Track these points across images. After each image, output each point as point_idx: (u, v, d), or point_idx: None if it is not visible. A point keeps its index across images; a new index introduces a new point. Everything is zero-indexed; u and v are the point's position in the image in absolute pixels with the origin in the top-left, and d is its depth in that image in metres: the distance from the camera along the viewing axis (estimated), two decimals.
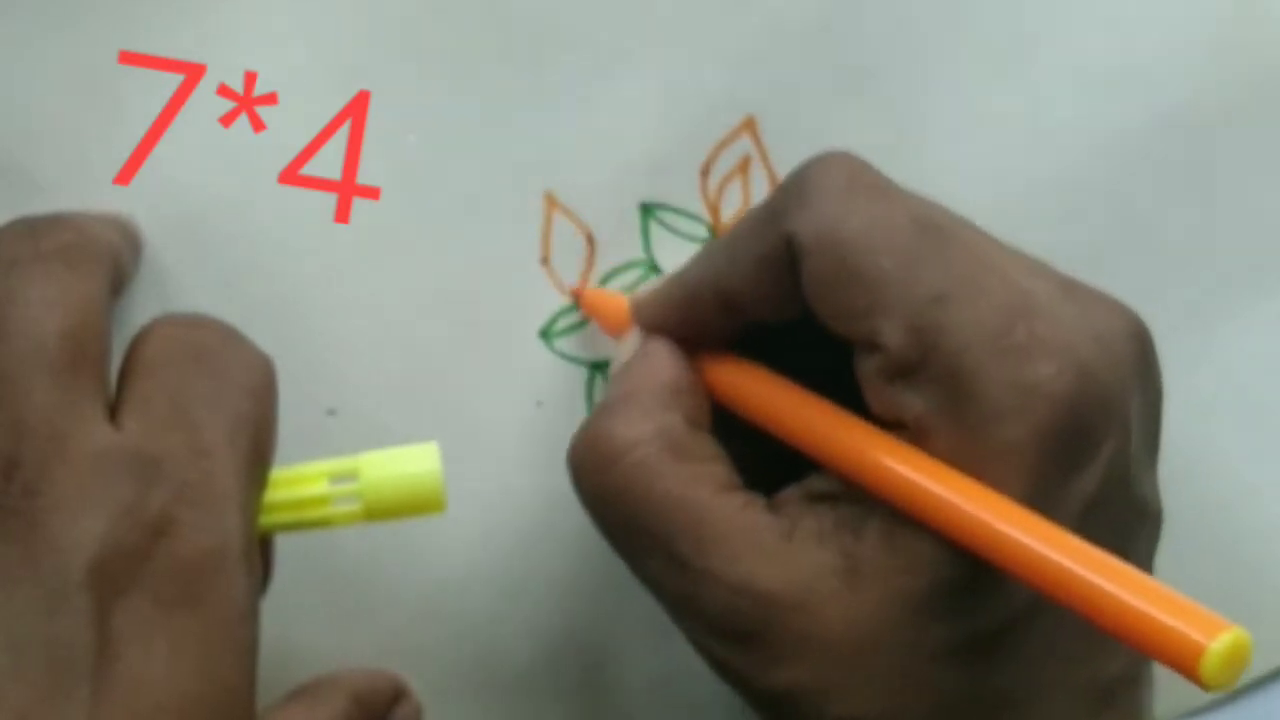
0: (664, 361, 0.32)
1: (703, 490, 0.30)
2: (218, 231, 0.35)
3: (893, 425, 0.29)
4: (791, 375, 0.32)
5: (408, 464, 0.29)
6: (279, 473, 0.29)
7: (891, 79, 0.36)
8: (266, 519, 0.29)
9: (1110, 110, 0.36)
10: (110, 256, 0.30)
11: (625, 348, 0.33)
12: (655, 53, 0.36)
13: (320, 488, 0.29)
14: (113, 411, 0.27)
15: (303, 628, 0.36)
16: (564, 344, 0.36)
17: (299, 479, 0.29)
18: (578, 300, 0.36)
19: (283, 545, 0.36)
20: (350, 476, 0.29)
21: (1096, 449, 0.28)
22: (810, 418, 0.30)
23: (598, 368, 0.36)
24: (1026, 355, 0.28)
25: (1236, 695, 0.37)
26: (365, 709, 0.33)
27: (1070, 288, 0.30)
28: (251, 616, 0.27)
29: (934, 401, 0.28)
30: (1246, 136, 0.36)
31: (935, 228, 0.29)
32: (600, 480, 0.31)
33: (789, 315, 0.31)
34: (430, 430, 0.36)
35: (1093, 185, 0.36)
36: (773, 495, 0.30)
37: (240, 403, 0.28)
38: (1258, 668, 0.36)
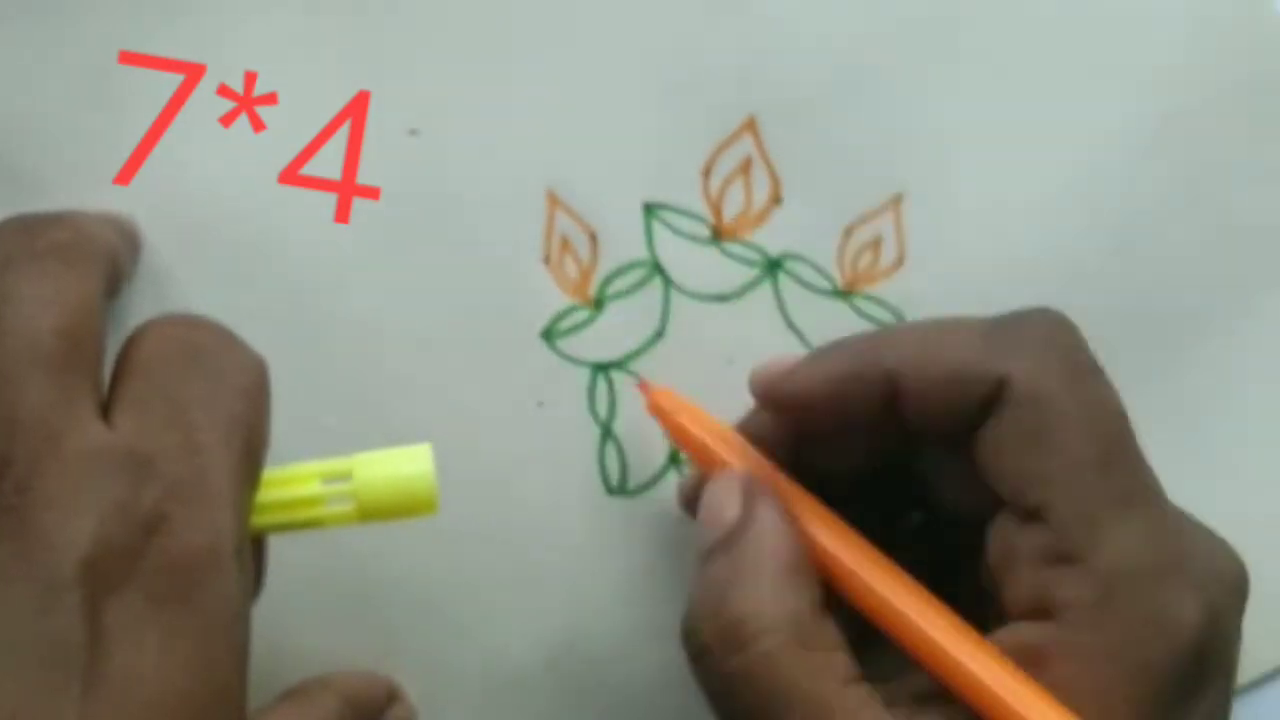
0: (783, 534, 0.31)
1: (829, 684, 0.29)
2: (218, 231, 0.35)
3: (1027, 607, 0.29)
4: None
5: (401, 465, 0.29)
6: (272, 473, 0.29)
7: (892, 80, 0.36)
8: (259, 519, 0.29)
9: (1111, 111, 0.36)
10: (107, 255, 0.30)
11: (722, 492, 0.32)
12: (657, 53, 0.36)
13: (313, 488, 0.29)
14: (106, 410, 0.27)
15: (302, 629, 0.36)
16: (566, 344, 0.36)
17: (292, 479, 0.29)
18: (645, 394, 0.35)
19: (282, 546, 0.36)
20: (344, 477, 0.29)
21: (1207, 687, 0.29)
22: (918, 621, 0.30)
23: (599, 369, 0.36)
24: (1175, 583, 0.29)
25: (1236, 696, 0.36)
26: (357, 711, 0.33)
27: (1195, 526, 0.31)
28: (243, 614, 0.27)
29: (1085, 596, 0.29)
30: (1247, 138, 0.36)
31: (1131, 430, 0.30)
32: (729, 664, 0.30)
33: (939, 432, 0.31)
34: (431, 430, 0.36)
35: (1093, 186, 0.36)
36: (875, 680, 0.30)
37: (234, 403, 0.28)
38: (1257, 668, 0.36)
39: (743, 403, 0.36)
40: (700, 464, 0.34)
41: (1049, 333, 0.31)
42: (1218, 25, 0.36)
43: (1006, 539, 0.30)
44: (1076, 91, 0.36)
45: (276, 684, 0.35)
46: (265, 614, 0.35)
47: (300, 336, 0.35)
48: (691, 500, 0.34)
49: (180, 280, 0.35)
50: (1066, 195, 0.36)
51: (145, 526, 0.25)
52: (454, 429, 0.36)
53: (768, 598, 0.30)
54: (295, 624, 0.36)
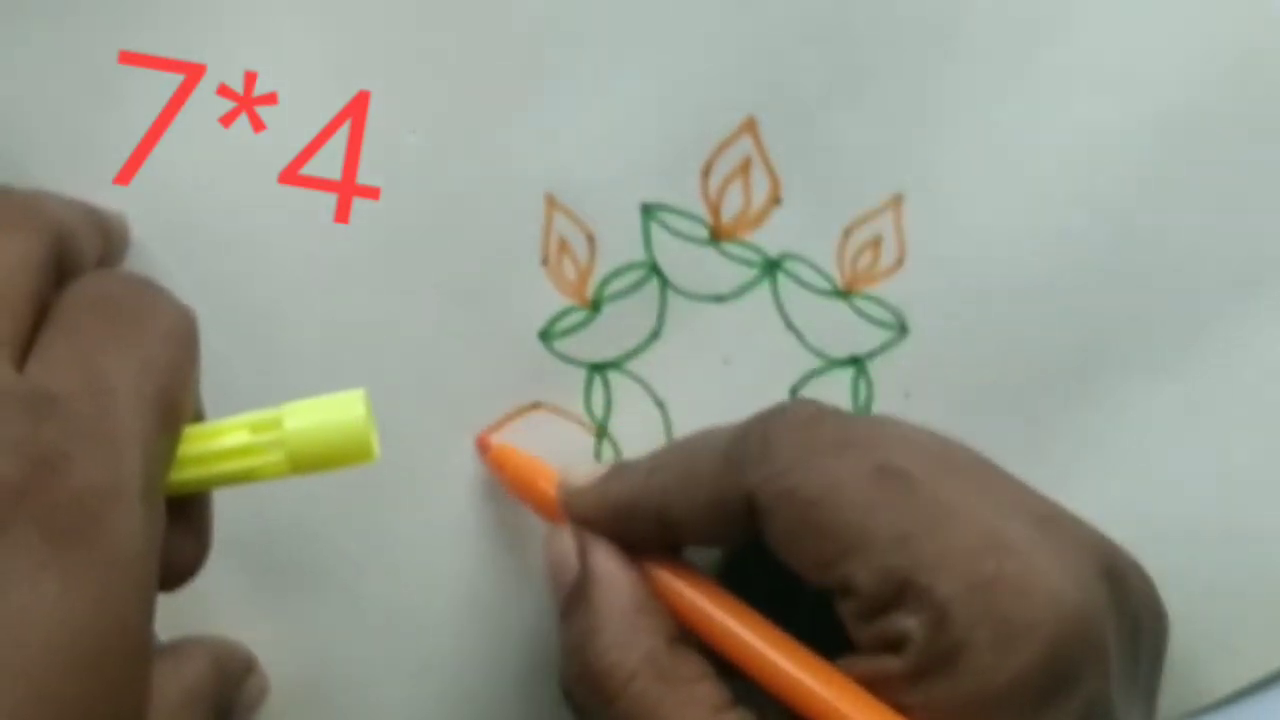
0: (623, 579, 0.32)
1: (698, 714, 0.30)
2: (218, 231, 0.35)
3: (882, 653, 0.30)
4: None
5: (333, 412, 0.28)
6: (199, 428, 0.28)
7: (891, 80, 0.36)
8: (188, 473, 0.28)
9: (1111, 112, 0.36)
10: (52, 227, 0.29)
11: (560, 545, 0.33)
12: (656, 53, 0.36)
13: (241, 438, 0.28)
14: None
15: (299, 630, 0.36)
16: (563, 345, 0.36)
17: (220, 431, 0.28)
18: (482, 449, 0.36)
19: (282, 548, 0.36)
20: (274, 428, 0.28)
21: (1074, 688, 0.29)
22: (760, 649, 0.31)
23: (597, 369, 0.36)
24: (999, 593, 0.29)
25: (1236, 697, 0.36)
26: (224, 674, 0.34)
27: (1046, 523, 0.31)
28: (150, 558, 0.26)
29: (916, 627, 0.29)
30: (1248, 139, 0.36)
31: (897, 474, 0.30)
32: (607, 716, 0.31)
33: (734, 547, 0.32)
34: (431, 431, 0.36)
35: (1093, 185, 0.36)
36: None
37: (150, 348, 0.27)
38: (1257, 669, 0.36)
39: (741, 404, 0.36)
40: (543, 517, 0.35)
41: (779, 428, 0.31)
42: (1218, 25, 0.36)
43: (839, 612, 0.30)
44: (1076, 91, 0.36)
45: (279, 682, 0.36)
46: (258, 614, 0.35)
47: (300, 337, 0.36)
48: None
49: (179, 280, 0.35)
50: (1066, 195, 0.36)
51: (42, 463, 0.25)
52: (453, 429, 0.36)
53: (622, 644, 0.31)
54: (293, 624, 0.36)
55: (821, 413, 0.32)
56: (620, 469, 0.34)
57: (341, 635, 0.36)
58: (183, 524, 0.28)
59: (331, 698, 0.36)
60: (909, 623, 0.29)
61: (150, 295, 0.28)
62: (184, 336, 0.28)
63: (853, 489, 0.30)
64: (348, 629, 0.36)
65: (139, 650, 0.25)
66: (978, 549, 0.29)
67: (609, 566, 0.32)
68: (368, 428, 0.28)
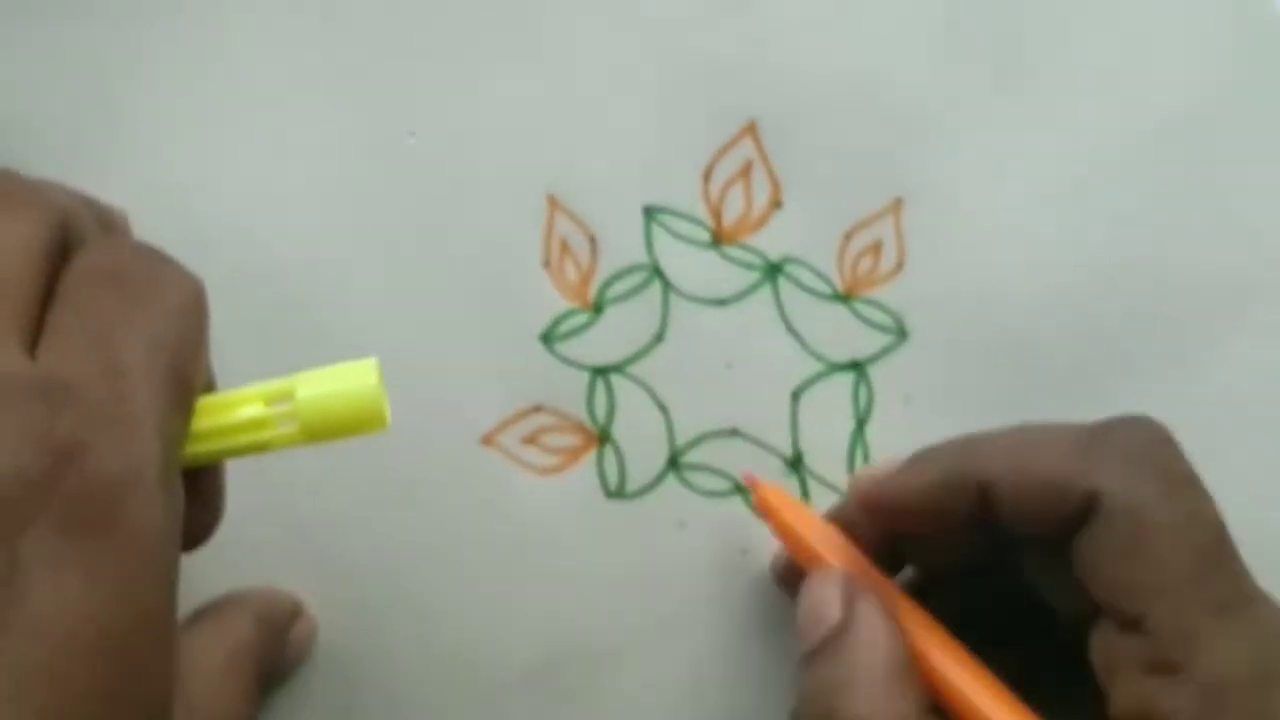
0: (888, 637, 0.31)
1: None
2: (217, 232, 0.35)
3: (1131, 716, 0.29)
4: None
5: (345, 380, 0.28)
6: (214, 398, 0.28)
7: (892, 84, 0.36)
8: (202, 446, 0.28)
9: (1111, 112, 0.36)
10: (56, 210, 0.28)
11: (823, 591, 0.32)
12: (658, 57, 0.36)
13: (255, 410, 0.28)
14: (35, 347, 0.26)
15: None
16: (565, 348, 0.36)
17: (234, 403, 0.28)
18: (753, 490, 0.35)
19: (284, 548, 0.36)
20: (287, 398, 0.28)
21: None
22: None
23: (598, 372, 0.36)
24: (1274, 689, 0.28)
25: None
26: (269, 626, 0.34)
27: None
28: (170, 541, 0.25)
29: (1187, 707, 0.28)
30: (1249, 141, 0.36)
31: (1229, 538, 0.30)
32: None
33: (1033, 538, 0.31)
34: (430, 431, 0.36)
35: (1093, 188, 0.36)
36: None
37: (159, 324, 0.26)
38: None
39: (742, 407, 0.36)
40: (802, 561, 0.34)
41: (1143, 443, 0.31)
42: (1218, 25, 0.36)
43: (1108, 645, 0.30)
44: (1076, 93, 0.36)
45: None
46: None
47: (300, 338, 0.35)
48: (785, 576, 0.35)
49: None
50: (1066, 198, 0.36)
51: (61, 454, 0.24)
52: (452, 430, 0.36)
53: (878, 702, 0.30)
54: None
55: (1174, 443, 0.31)
56: (927, 451, 0.33)
57: (340, 634, 0.36)
58: (195, 492, 0.28)
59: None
60: (1186, 695, 0.28)
61: (159, 266, 0.28)
62: (193, 308, 0.28)
63: (1192, 534, 0.29)
64: (347, 629, 0.36)
65: (163, 636, 0.25)
66: (1269, 637, 0.29)
67: (874, 621, 0.31)
68: (380, 395, 0.28)
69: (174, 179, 0.35)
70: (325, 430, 0.28)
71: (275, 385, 0.28)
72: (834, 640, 0.31)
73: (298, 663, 0.35)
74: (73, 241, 0.28)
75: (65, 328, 0.26)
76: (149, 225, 0.34)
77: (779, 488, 0.35)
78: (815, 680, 0.31)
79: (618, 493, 0.36)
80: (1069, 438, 0.31)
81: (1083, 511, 0.30)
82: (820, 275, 0.37)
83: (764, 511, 0.35)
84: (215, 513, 0.30)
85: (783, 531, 0.34)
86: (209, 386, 0.29)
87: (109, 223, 0.32)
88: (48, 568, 0.24)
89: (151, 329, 0.26)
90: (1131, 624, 0.29)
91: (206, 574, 0.35)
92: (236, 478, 0.30)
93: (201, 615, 0.33)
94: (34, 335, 0.26)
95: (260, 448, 0.28)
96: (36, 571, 0.24)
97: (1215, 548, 0.30)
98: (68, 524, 0.24)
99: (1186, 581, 0.29)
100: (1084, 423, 0.31)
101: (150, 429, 0.25)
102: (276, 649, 0.34)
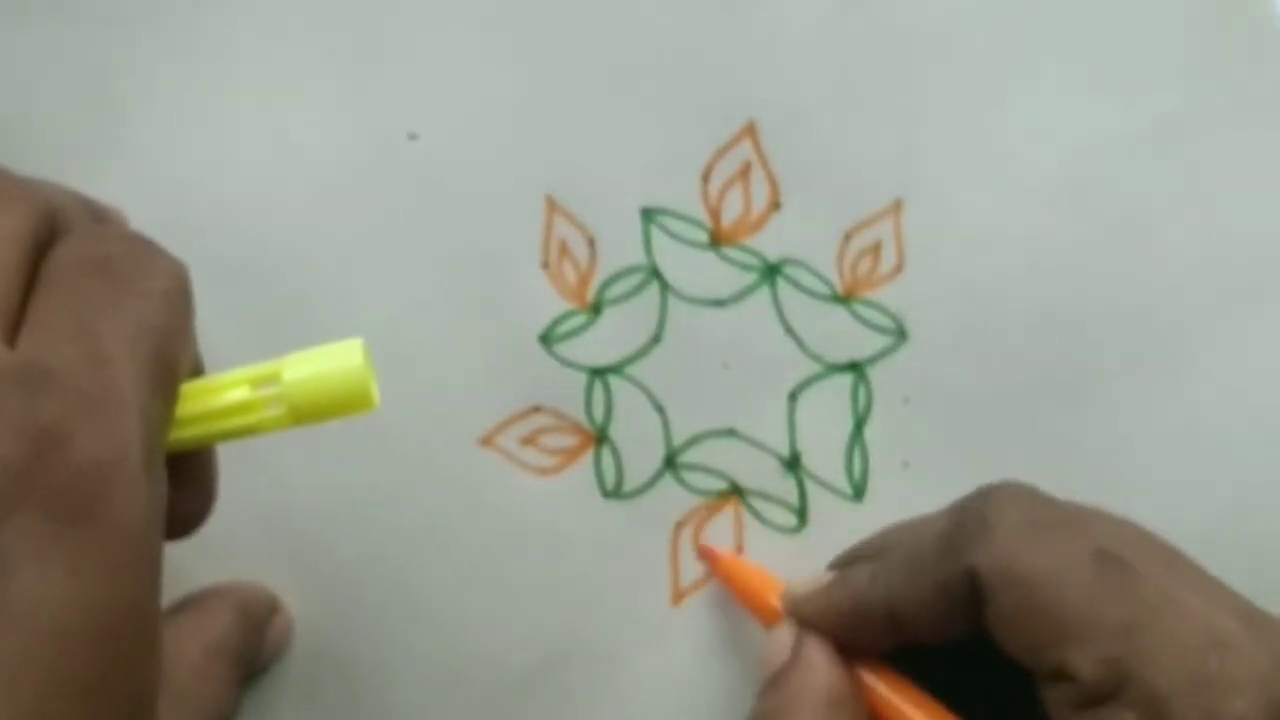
0: (824, 671, 0.33)
1: None
2: (217, 231, 0.35)
3: None
4: (943, 680, 0.33)
5: (331, 360, 0.27)
6: (199, 383, 0.28)
7: (891, 85, 0.36)
8: (190, 431, 0.27)
9: (1110, 113, 0.36)
10: (41, 202, 0.28)
11: (777, 639, 0.34)
12: (656, 57, 0.36)
13: (242, 393, 0.27)
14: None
15: (301, 627, 0.36)
16: (563, 349, 0.36)
17: (220, 386, 0.28)
18: (710, 561, 0.36)
19: (284, 548, 0.36)
20: (274, 381, 0.27)
21: None
22: None
23: (597, 373, 0.36)
24: (1221, 688, 0.28)
25: None
26: (249, 620, 0.34)
27: (1250, 618, 0.30)
28: (155, 529, 0.25)
29: None
30: (1249, 142, 0.36)
31: (1117, 561, 0.30)
32: None
33: (955, 638, 0.31)
34: (429, 432, 0.36)
35: (1092, 190, 0.36)
36: None
37: (143, 309, 0.26)
38: None
39: (739, 408, 0.36)
40: (764, 621, 0.35)
41: (1001, 507, 0.31)
42: (1218, 25, 0.36)
43: (1048, 700, 0.30)
44: (1076, 95, 0.36)
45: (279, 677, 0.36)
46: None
47: (299, 339, 0.35)
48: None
49: None
50: (1065, 200, 0.36)
51: (44, 441, 0.24)
52: (452, 432, 0.36)
53: None
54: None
55: (1034, 494, 0.32)
56: (843, 575, 0.34)
57: (338, 633, 0.36)
58: (185, 477, 0.28)
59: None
60: (1126, 716, 0.29)
61: (143, 251, 0.27)
62: (178, 294, 0.27)
63: (1076, 572, 0.30)
64: (347, 629, 0.36)
65: (148, 623, 0.25)
66: (1200, 645, 0.29)
67: (816, 656, 0.33)
68: (367, 375, 0.27)
69: (174, 179, 0.35)
70: (313, 412, 0.27)
71: (261, 368, 0.28)
72: (778, 677, 0.33)
73: (275, 656, 0.36)
74: (60, 234, 0.27)
75: (47, 315, 0.26)
76: (148, 225, 0.34)
77: (733, 556, 0.36)
78: (760, 710, 0.33)
79: (614, 493, 0.36)
80: (937, 530, 0.32)
81: (972, 595, 0.30)
82: (819, 276, 0.36)
83: (724, 580, 0.36)
84: (207, 499, 0.29)
85: (744, 597, 0.36)
86: (197, 372, 0.29)
87: (102, 217, 0.32)
88: (31, 556, 0.24)
89: (135, 315, 0.26)
90: (1057, 675, 0.29)
91: (201, 577, 0.35)
92: (234, 479, 0.30)
93: (183, 607, 0.34)
94: (15, 324, 0.26)
95: (248, 431, 0.27)
96: (20, 560, 0.24)
97: (1105, 575, 0.30)
98: (51, 512, 0.24)
99: (1084, 619, 0.29)
100: (947, 508, 0.32)
101: (133, 415, 0.25)
102: (255, 642, 0.35)
